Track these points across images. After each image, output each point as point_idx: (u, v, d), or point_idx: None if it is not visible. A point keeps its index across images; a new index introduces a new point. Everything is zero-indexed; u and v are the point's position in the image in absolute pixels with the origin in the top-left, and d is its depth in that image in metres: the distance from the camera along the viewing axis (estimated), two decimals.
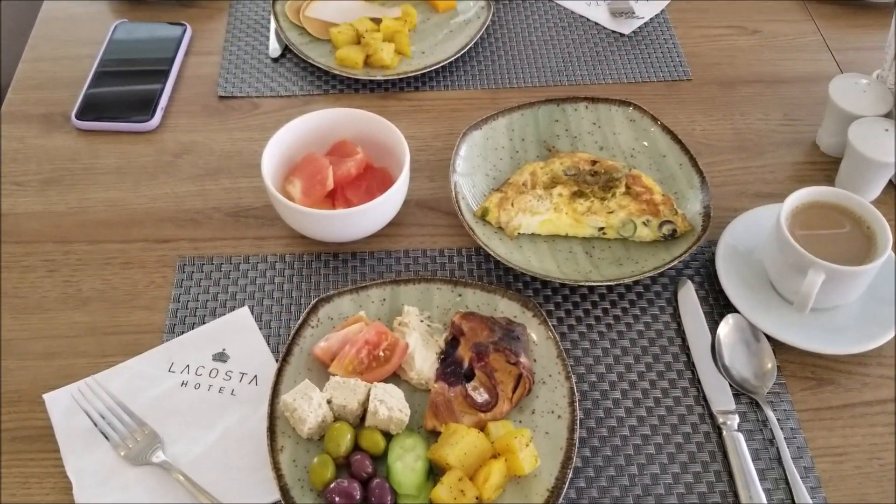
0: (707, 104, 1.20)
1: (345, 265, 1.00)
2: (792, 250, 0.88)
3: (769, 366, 0.90)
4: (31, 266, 0.99)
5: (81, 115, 1.14)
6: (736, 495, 0.81)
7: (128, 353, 0.91)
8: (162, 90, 1.17)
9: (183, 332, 0.93)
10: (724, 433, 0.85)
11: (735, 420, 0.86)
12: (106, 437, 0.84)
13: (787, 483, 0.82)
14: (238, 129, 1.15)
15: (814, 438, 0.86)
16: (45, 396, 0.87)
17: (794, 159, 1.13)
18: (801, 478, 0.82)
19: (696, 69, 1.25)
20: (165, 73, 1.20)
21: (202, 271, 0.99)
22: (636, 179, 1.02)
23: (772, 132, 1.17)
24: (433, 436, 0.84)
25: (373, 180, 1.02)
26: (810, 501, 0.80)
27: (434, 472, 0.81)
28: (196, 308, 0.96)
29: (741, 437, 0.85)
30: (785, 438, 0.85)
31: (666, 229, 0.99)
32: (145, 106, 1.15)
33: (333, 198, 1.02)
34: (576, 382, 0.88)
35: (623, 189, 1.01)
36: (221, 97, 1.19)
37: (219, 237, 1.03)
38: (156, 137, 1.14)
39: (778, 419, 0.87)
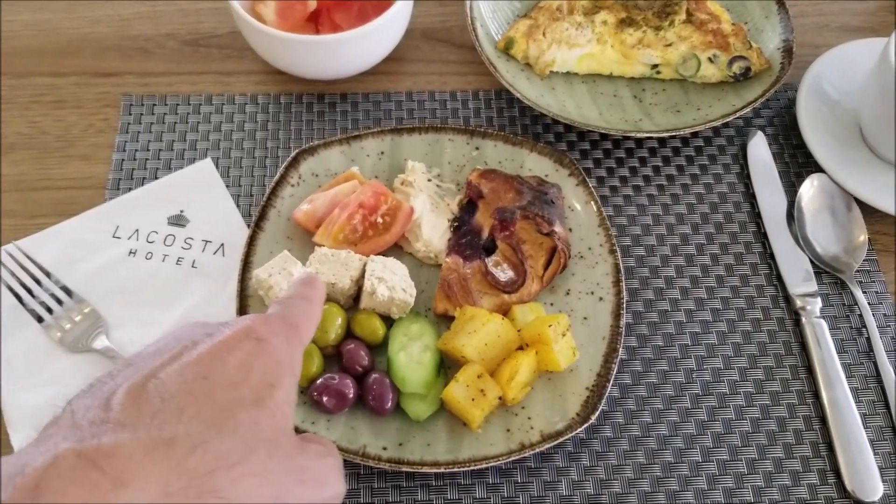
0: None
1: (332, 109, 0.81)
2: None
3: (861, 238, 0.73)
4: None
5: None
6: (817, 395, 0.66)
7: (62, 213, 0.73)
8: None
9: (130, 189, 0.75)
10: (803, 320, 0.69)
11: (816, 304, 0.70)
12: (35, 318, 0.67)
13: (879, 380, 0.67)
14: None
15: None
16: None
17: None
18: (895, 375, 0.66)
19: None
20: None
21: (153, 113, 0.80)
22: (700, 4, 0.81)
23: None
24: (445, 321, 0.68)
25: (367, 1, 0.81)
26: None
27: (446, 365, 0.65)
28: (146, 159, 0.77)
29: (824, 324, 0.69)
30: (877, 326, 0.69)
31: (737, 67, 0.79)
32: None
33: (317, 21, 0.81)
34: (621, 257, 0.70)
35: (683, 16, 0.80)
36: None
37: (174, 71, 0.83)
38: None
39: (869, 303, 0.70)
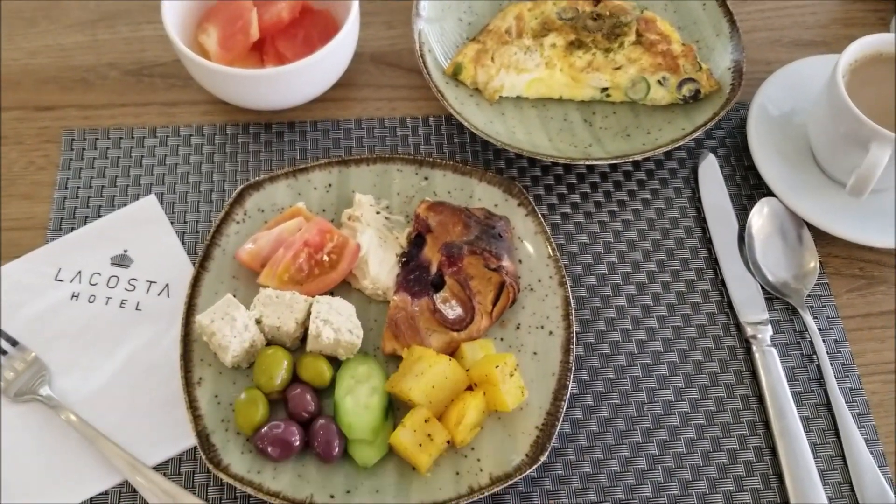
0: None
1: (280, 139, 0.79)
2: (849, 117, 0.69)
3: (811, 264, 0.73)
4: None
5: None
6: (767, 425, 0.66)
7: (3, 256, 0.72)
8: None
9: (73, 229, 0.74)
10: (754, 348, 0.69)
11: (767, 332, 0.70)
12: None
13: (830, 409, 0.67)
14: None
15: (862, 353, 0.70)
16: None
17: None
18: (846, 402, 0.67)
19: None
20: None
21: (96, 148, 0.78)
22: (650, 25, 0.80)
23: None
24: (393, 361, 0.67)
25: (312, 28, 0.80)
26: (856, 431, 0.65)
27: (395, 407, 0.65)
28: (89, 197, 0.75)
29: (774, 352, 0.68)
30: (827, 353, 0.69)
31: (687, 90, 0.78)
32: None
33: (261, 51, 0.79)
34: (571, 288, 0.70)
35: (633, 37, 0.80)
36: None
37: (116, 103, 0.81)
38: None
39: (819, 328, 0.70)
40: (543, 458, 0.62)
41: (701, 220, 0.76)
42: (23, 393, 0.65)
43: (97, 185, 0.76)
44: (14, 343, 0.67)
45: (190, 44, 0.76)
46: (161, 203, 0.75)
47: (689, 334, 0.70)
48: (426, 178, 0.75)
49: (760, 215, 0.74)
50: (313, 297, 0.67)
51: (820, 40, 0.87)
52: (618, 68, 0.78)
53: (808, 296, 0.72)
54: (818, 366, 0.69)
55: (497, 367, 0.62)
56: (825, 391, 0.68)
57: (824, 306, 0.72)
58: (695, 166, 0.78)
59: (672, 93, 0.78)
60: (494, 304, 0.68)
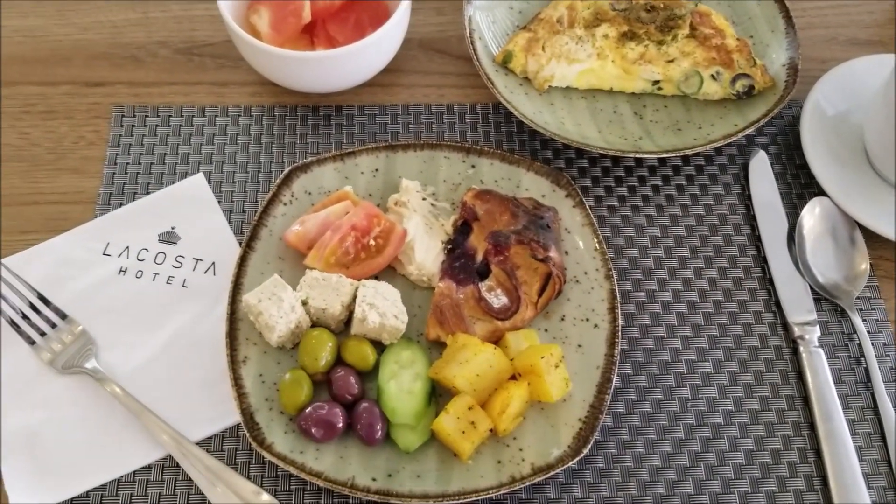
0: None
1: (327, 122, 0.79)
2: None
3: (862, 266, 0.71)
4: None
5: None
6: (812, 426, 0.65)
7: (51, 229, 0.73)
8: None
9: (121, 204, 0.74)
10: (801, 349, 0.68)
11: (815, 333, 0.69)
12: (27, 340, 0.66)
13: (877, 413, 0.66)
14: None
15: None
16: None
17: None
18: (893, 406, 0.65)
19: None
20: None
21: (145, 125, 0.78)
22: (704, 18, 0.79)
23: None
24: (437, 347, 0.67)
25: (363, 12, 0.80)
26: None
27: (437, 393, 0.65)
28: (138, 173, 0.76)
29: (822, 354, 0.68)
30: (876, 357, 0.68)
31: (740, 85, 0.77)
32: None
33: (312, 34, 0.79)
34: (617, 281, 0.69)
35: (687, 31, 0.78)
36: None
37: (166, 81, 0.81)
38: None
39: (868, 331, 0.69)
40: (586, 451, 0.62)
41: (750, 218, 0.75)
42: (70, 365, 0.66)
43: (146, 161, 0.76)
44: (63, 316, 0.68)
45: (241, 24, 0.76)
46: (209, 182, 0.75)
47: (734, 332, 0.70)
48: (473, 166, 0.74)
49: (812, 215, 0.73)
50: (359, 280, 0.67)
51: (877, 40, 0.86)
52: (670, 61, 0.77)
53: (857, 298, 0.71)
54: (866, 369, 0.68)
55: (542, 357, 0.62)
56: (872, 395, 0.67)
57: (873, 309, 0.71)
58: (745, 162, 0.77)
59: (725, 88, 0.77)
60: (540, 294, 0.68)
